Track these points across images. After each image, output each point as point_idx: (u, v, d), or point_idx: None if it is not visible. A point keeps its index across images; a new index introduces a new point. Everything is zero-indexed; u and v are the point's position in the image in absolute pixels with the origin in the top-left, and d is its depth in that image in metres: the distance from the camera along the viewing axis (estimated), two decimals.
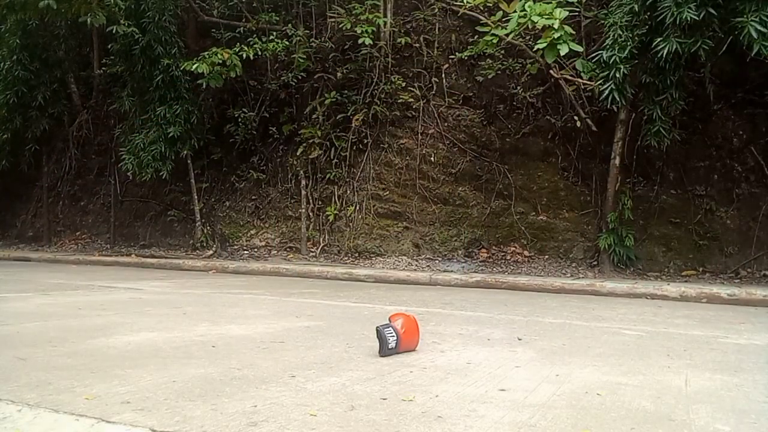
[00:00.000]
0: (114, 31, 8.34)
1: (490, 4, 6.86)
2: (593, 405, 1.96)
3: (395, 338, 2.64)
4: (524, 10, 6.11)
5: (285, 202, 9.08)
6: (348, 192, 8.58)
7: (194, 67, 7.88)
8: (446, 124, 8.33)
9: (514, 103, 8.01)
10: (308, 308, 4.35)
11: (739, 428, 1.78)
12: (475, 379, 2.29)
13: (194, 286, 5.94)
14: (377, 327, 2.69)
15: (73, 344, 2.78)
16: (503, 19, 6.59)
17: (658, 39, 5.76)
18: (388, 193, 8.36)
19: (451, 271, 7.13)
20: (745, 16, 5.32)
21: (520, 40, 6.97)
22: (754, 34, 5.26)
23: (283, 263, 7.88)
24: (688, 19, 5.45)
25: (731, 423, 1.82)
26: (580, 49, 6.29)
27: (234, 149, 9.50)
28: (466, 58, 8.22)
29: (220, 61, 8.01)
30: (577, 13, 6.75)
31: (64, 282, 6.01)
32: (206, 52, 8.11)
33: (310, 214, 8.72)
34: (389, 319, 2.74)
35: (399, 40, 8.47)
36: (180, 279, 6.65)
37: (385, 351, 2.61)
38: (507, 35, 6.52)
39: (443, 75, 8.44)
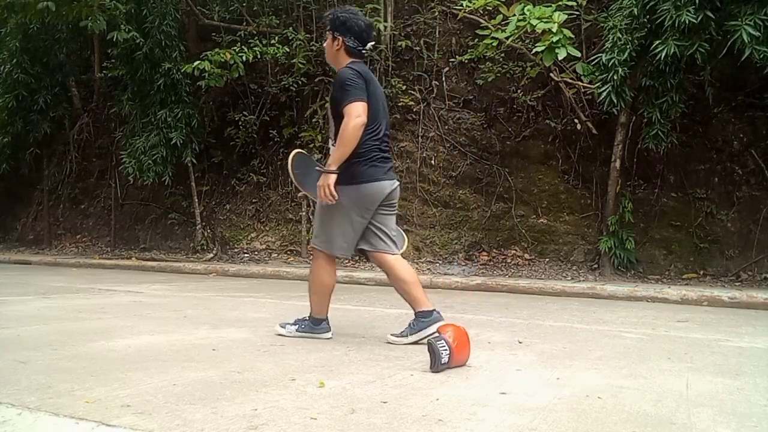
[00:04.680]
0: (115, 39, 8.36)
1: (490, 8, 6.88)
2: (594, 408, 1.96)
3: (448, 352, 2.44)
4: (523, 13, 6.13)
5: (285, 205, 9.09)
6: None
7: (196, 64, 7.89)
8: (446, 127, 8.35)
9: (515, 107, 8.02)
10: (309, 311, 4.34)
11: None
12: (476, 382, 2.29)
13: (195, 289, 5.93)
14: (428, 339, 2.51)
15: (74, 347, 2.77)
16: (503, 23, 6.61)
17: (657, 42, 5.78)
18: None
19: (452, 274, 7.13)
20: (740, 19, 5.33)
21: (520, 43, 6.99)
22: (746, 38, 5.27)
23: (283, 266, 7.88)
24: (687, 22, 5.46)
25: (732, 426, 1.82)
26: (578, 53, 6.30)
27: (234, 152, 9.52)
28: (466, 61, 8.24)
29: (223, 61, 8.03)
30: (576, 16, 6.77)
31: (65, 285, 6.01)
32: (209, 52, 8.14)
33: (311, 217, 8.72)
34: (438, 331, 2.55)
35: (399, 43, 8.49)
36: (180, 282, 6.65)
37: (437, 366, 2.41)
38: (506, 38, 6.53)
39: (443, 78, 8.46)
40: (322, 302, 3.14)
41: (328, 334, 3.17)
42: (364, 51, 3.14)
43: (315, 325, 3.17)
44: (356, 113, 2.87)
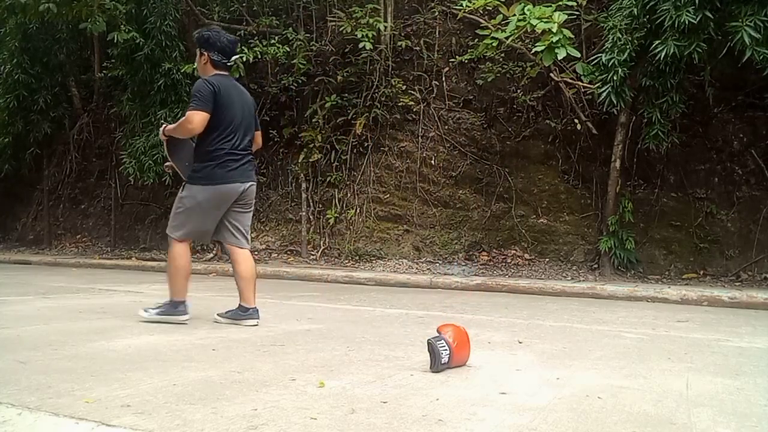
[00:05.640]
0: (115, 40, 8.36)
1: (490, 8, 6.88)
2: (594, 408, 1.96)
3: (448, 352, 2.43)
4: (523, 13, 6.13)
5: (285, 205, 9.09)
6: (348, 195, 8.58)
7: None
8: (447, 127, 8.35)
9: (515, 106, 8.02)
10: (309, 311, 4.35)
11: None
12: (476, 382, 2.29)
13: (194, 289, 5.90)
14: (428, 340, 2.48)
15: (74, 347, 2.77)
16: (503, 23, 6.61)
17: (657, 42, 5.78)
18: (388, 196, 8.37)
19: (452, 274, 7.13)
20: (740, 20, 5.32)
21: (520, 43, 6.99)
22: (747, 39, 5.26)
23: (283, 266, 7.88)
24: (686, 22, 5.46)
25: (732, 426, 1.82)
26: (577, 54, 6.31)
27: None
28: (466, 61, 8.24)
29: None
30: (576, 17, 6.77)
31: (65, 285, 6.01)
32: None
33: (311, 217, 8.72)
34: (438, 331, 2.52)
35: (399, 43, 8.49)
36: None
37: (437, 366, 2.40)
38: (506, 38, 6.53)
39: (443, 78, 8.46)
40: (180, 285, 3.48)
41: (186, 317, 3.50)
42: (229, 63, 3.60)
43: (174, 308, 3.49)
44: (189, 120, 3.37)
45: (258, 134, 3.78)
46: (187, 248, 3.50)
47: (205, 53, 3.54)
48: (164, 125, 3.61)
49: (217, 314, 3.66)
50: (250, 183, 3.56)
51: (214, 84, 3.41)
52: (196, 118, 3.35)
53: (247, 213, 3.64)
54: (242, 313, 3.59)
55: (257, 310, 3.61)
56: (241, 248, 3.59)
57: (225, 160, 3.43)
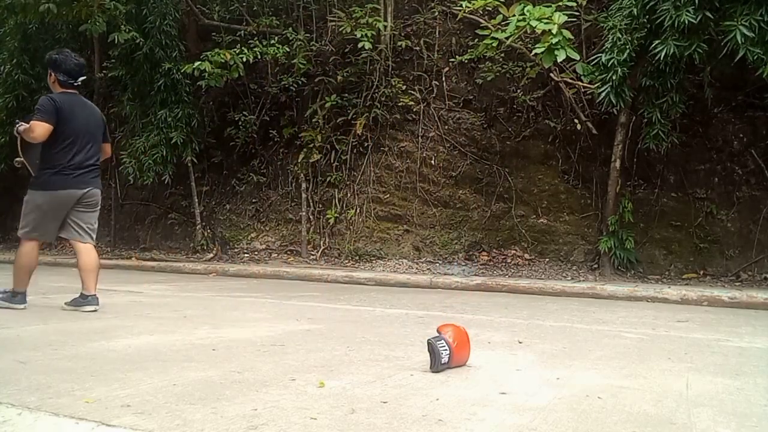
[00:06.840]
0: (116, 41, 8.36)
1: (490, 8, 6.88)
2: (594, 408, 1.96)
3: (448, 352, 2.43)
4: (523, 14, 6.12)
5: (285, 205, 9.09)
6: (348, 195, 8.59)
7: (196, 65, 7.89)
8: (446, 127, 8.35)
9: (515, 106, 8.02)
10: (309, 311, 4.35)
11: None
12: (476, 382, 2.29)
13: (195, 289, 5.93)
14: (428, 340, 2.48)
15: (73, 347, 2.77)
16: (503, 23, 6.61)
17: (657, 42, 5.78)
18: (388, 196, 8.37)
19: (452, 274, 7.13)
20: (735, 19, 5.32)
21: (520, 43, 6.99)
22: (739, 39, 5.26)
23: (283, 266, 7.88)
24: (686, 22, 5.46)
25: (732, 426, 1.82)
26: (577, 56, 6.30)
27: (234, 152, 9.52)
28: (466, 61, 8.24)
29: (223, 61, 8.03)
30: (576, 17, 6.77)
31: (65, 285, 6.00)
32: (209, 53, 8.14)
33: (311, 217, 8.72)
34: (438, 331, 2.52)
35: (399, 43, 8.49)
36: (180, 282, 6.65)
37: (437, 366, 2.40)
38: (506, 39, 6.53)
39: (443, 78, 8.46)
40: (23, 279, 3.93)
41: (23, 306, 3.94)
42: (75, 83, 4.00)
43: (13, 297, 3.94)
44: (32, 130, 3.76)
45: (107, 146, 4.23)
46: (34, 247, 3.94)
47: (53, 74, 3.97)
48: (19, 124, 3.92)
49: (64, 303, 4.02)
50: (89, 188, 3.97)
51: (57, 100, 3.83)
52: (38, 129, 3.75)
53: (89, 212, 4.06)
54: (82, 300, 3.96)
55: (96, 298, 3.98)
56: (83, 243, 4.03)
57: (62, 169, 3.85)
